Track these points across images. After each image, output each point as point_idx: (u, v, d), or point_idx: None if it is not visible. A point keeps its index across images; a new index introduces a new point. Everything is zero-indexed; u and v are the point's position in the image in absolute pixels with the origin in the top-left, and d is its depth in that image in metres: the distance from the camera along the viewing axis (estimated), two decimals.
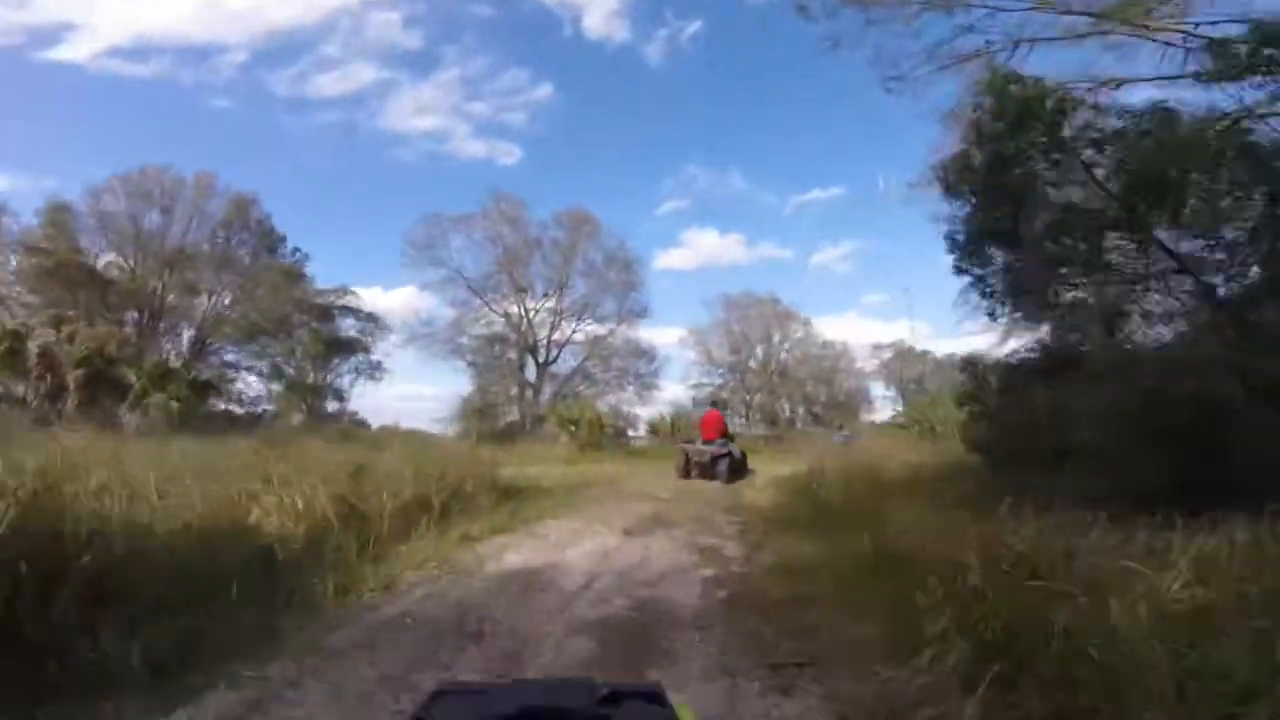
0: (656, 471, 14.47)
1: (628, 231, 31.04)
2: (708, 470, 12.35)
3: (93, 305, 23.11)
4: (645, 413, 29.32)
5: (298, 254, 27.52)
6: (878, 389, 41.74)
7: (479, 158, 40.70)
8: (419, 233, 27.47)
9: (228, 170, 31.85)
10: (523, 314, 27.48)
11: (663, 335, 43.16)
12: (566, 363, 28.84)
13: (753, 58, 48.08)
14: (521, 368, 27.67)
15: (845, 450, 14.49)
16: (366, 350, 26.60)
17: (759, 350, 36.80)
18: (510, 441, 21.72)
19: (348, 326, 26.35)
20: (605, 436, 20.01)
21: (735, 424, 34.15)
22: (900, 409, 39.35)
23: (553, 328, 28.27)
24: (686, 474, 12.58)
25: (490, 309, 27.27)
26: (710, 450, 12.59)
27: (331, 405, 25.88)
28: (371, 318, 26.33)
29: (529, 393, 27.09)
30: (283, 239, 28.04)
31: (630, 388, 28.77)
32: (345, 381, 26.34)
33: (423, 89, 46.54)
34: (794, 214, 46.38)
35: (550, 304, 27.88)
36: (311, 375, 25.27)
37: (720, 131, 49.49)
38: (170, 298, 26.54)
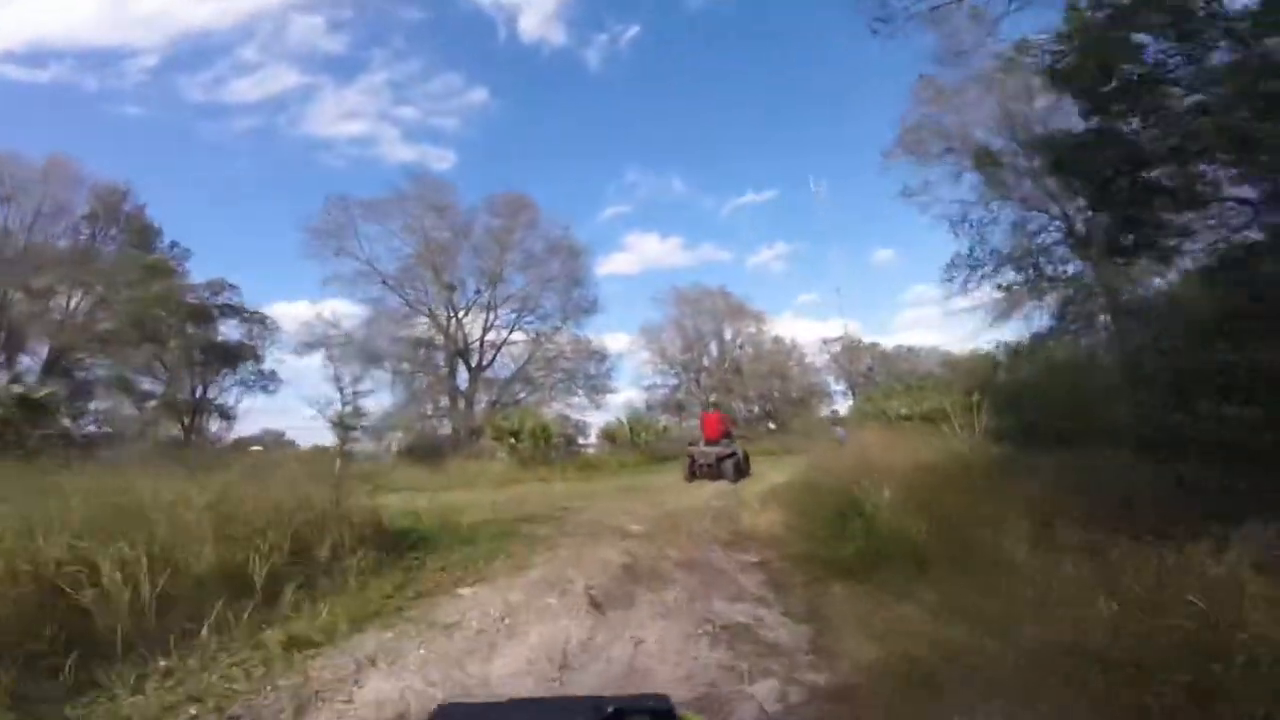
0: (621, 490, 11.58)
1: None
2: (713, 471, 12.09)
3: None
4: (598, 419, 26.49)
5: (175, 249, 23.27)
6: (827, 384, 41.48)
7: (409, 162, 38.66)
8: (322, 219, 23.68)
9: (138, 179, 28.06)
10: (451, 313, 24.09)
11: (611, 341, 41.43)
12: (505, 367, 25.50)
13: (691, 62, 49.83)
14: (452, 374, 24.15)
15: (843, 447, 12.31)
16: (256, 358, 22.51)
17: (713, 347, 34.63)
18: (439, 459, 18.40)
19: (231, 331, 22.19)
20: (553, 449, 16.98)
21: (693, 426, 32.27)
22: (854, 402, 39.28)
23: (486, 328, 24.97)
24: (692, 476, 12.35)
25: (412, 308, 23.63)
26: (715, 451, 12.44)
27: (230, 425, 21.69)
28: (259, 318, 22.15)
29: (462, 403, 23.59)
30: (158, 233, 23.74)
31: (579, 392, 25.64)
32: (232, 396, 22.12)
33: (348, 93, 44.64)
34: (731, 216, 47.46)
35: (484, 300, 24.51)
36: (193, 388, 20.98)
37: (660, 135, 49.90)
38: (17, 303, 21.86)
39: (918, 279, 56.29)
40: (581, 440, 30.02)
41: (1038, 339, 14.10)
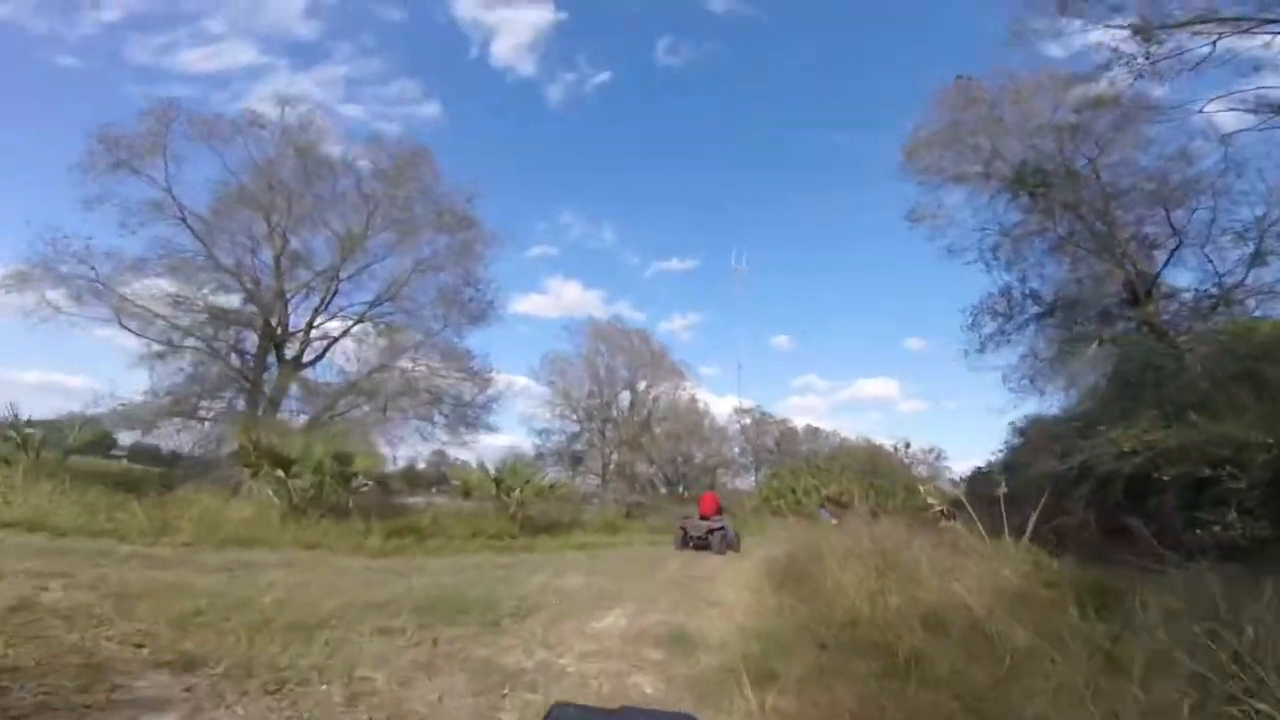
0: (439, 605, 5.14)
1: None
2: (702, 542, 13.51)
3: None
4: (467, 458, 19.92)
5: None
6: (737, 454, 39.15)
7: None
8: (133, 128, 16.07)
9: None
10: (276, 281, 16.70)
11: (504, 382, 35.68)
12: (343, 372, 18.30)
13: (650, 118, 54.30)
14: (260, 365, 16.65)
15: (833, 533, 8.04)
16: None
17: (624, 396, 29.07)
18: (173, 487, 11.40)
19: None
20: (355, 494, 10.43)
21: (591, 484, 26.51)
22: (759, 476, 36.68)
23: (319, 309, 17.47)
24: (684, 546, 13.74)
25: (213, 259, 15.81)
26: (706, 525, 13.98)
27: None
28: None
29: (264, 408, 16.24)
30: None
31: (439, 422, 18.74)
32: None
33: (300, 79, 45.04)
34: (653, 279, 50.35)
35: (330, 272, 17.27)
36: None
37: (602, 184, 53.04)
38: None
39: (809, 368, 58.70)
40: (454, 480, 23.11)
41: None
